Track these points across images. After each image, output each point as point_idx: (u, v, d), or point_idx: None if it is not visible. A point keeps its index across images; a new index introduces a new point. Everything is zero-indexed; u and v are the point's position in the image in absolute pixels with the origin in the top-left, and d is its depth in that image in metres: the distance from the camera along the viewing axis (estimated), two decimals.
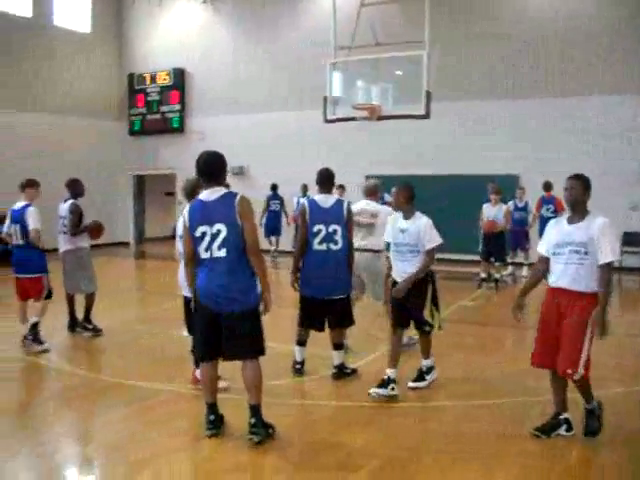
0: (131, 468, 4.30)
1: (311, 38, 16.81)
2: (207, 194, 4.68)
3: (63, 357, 7.14)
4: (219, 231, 4.51)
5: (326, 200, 6.17)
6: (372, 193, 7.38)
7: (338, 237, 6.00)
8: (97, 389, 6.02)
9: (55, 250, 8.10)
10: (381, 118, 11.82)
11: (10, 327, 7.60)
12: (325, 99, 12.26)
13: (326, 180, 6.30)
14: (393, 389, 5.55)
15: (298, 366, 6.33)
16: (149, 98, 19.41)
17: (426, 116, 11.50)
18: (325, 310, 6.10)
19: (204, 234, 4.54)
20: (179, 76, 18.94)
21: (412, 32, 11.67)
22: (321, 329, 6.21)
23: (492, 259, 11.95)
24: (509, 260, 13.03)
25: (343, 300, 6.11)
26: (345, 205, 6.19)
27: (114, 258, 16.99)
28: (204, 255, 4.56)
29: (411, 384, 5.88)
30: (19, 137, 16.75)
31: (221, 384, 5.26)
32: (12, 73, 16.73)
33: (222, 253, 4.51)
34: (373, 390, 5.55)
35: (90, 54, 19.06)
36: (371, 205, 7.21)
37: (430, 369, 5.96)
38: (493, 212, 11.72)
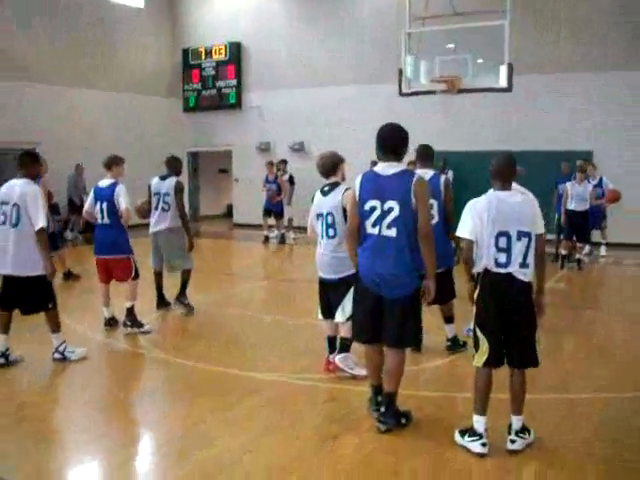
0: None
1: (378, 8, 16.29)
2: (383, 167, 4.47)
3: (156, 344, 6.78)
4: (391, 209, 4.31)
5: (425, 175, 5.78)
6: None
7: (434, 212, 5.90)
8: (203, 379, 5.68)
9: None
10: (461, 91, 11.35)
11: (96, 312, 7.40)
12: (400, 71, 11.78)
13: (426, 156, 6.30)
14: None
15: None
16: (204, 73, 19.03)
17: (508, 89, 11.01)
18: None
19: (373, 209, 4.36)
20: (235, 50, 18.50)
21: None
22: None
23: (574, 238, 11.52)
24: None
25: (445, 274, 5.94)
26: (442, 180, 6.16)
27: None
28: (370, 230, 4.38)
29: None
30: (73, 114, 16.50)
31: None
32: (67, 49, 16.50)
33: (392, 232, 4.31)
34: None
35: (144, 29, 18.74)
36: None
37: None
38: (579, 190, 11.27)
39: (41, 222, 5.71)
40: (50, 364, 6.00)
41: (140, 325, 7.06)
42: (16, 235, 5.77)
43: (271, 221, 15.42)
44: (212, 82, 18.94)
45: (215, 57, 18.81)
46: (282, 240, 15.24)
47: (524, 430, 4.26)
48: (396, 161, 4.48)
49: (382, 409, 4.52)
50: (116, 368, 6.25)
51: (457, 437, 4.32)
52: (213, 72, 18.90)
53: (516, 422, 4.24)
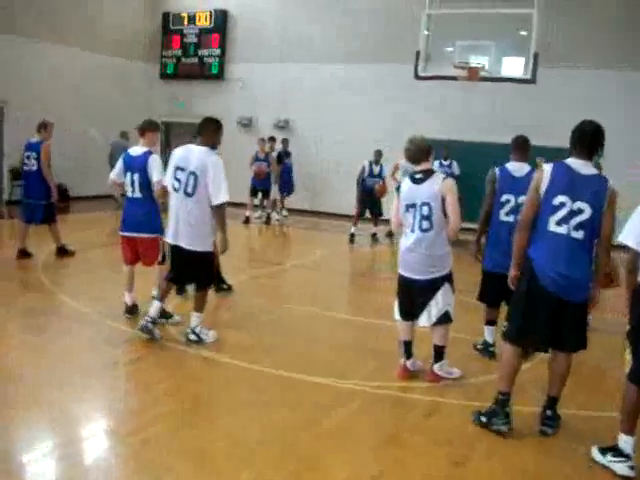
0: None
1: None
2: (578, 164, 4.12)
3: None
4: (580, 210, 4.05)
5: (520, 169, 5.66)
6: None
7: None
8: (271, 385, 4.99)
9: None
10: (481, 79, 10.90)
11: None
12: (417, 54, 11.27)
13: (521, 147, 5.80)
14: None
15: (491, 348, 5.87)
16: (186, 40, 17.94)
17: (532, 80, 10.65)
18: (505, 285, 5.29)
19: (562, 205, 4.07)
20: (221, 18, 17.51)
21: None
22: (496, 305, 5.81)
23: None
24: None
25: None
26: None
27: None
28: (554, 228, 4.10)
29: None
30: (42, 70, 15.10)
31: None
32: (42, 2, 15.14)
33: (579, 235, 4.07)
34: None
35: None
36: None
37: None
38: None
39: (223, 196, 5.45)
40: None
41: (169, 316, 6.30)
42: (192, 206, 5.51)
43: (256, 201, 14.77)
44: (194, 50, 17.91)
45: (199, 24, 17.76)
46: (267, 221, 14.59)
47: None
48: (590, 161, 4.17)
49: (548, 413, 4.35)
50: (167, 367, 5.33)
51: (596, 454, 3.95)
52: (195, 39, 17.85)
53: None
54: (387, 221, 13.09)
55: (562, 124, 13.16)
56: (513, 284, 4.45)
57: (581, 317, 4.25)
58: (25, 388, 4.55)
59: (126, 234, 6.37)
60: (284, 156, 15.20)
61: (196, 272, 5.73)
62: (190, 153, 5.55)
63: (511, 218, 5.54)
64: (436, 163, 13.36)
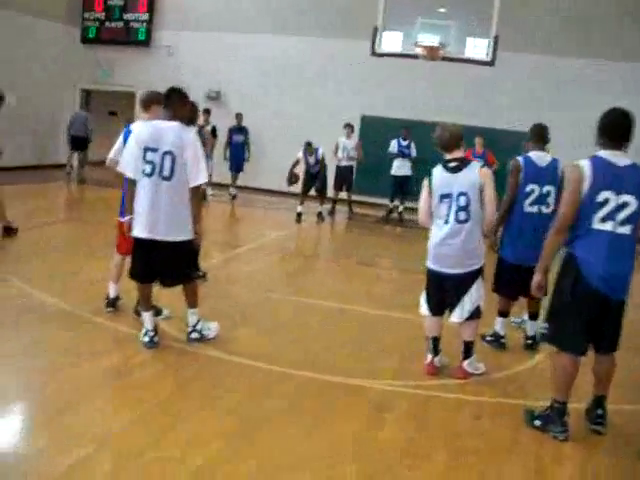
0: None
1: None
2: (615, 156, 3.92)
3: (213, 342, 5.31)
4: (626, 203, 3.86)
5: (542, 158, 5.58)
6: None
7: (551, 199, 5.50)
8: (303, 390, 4.57)
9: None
10: (444, 59, 10.75)
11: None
12: (375, 29, 10.95)
13: (541, 136, 5.70)
14: None
15: (502, 340, 5.79)
16: (110, 2, 16.74)
17: (491, 63, 10.60)
18: (528, 278, 5.21)
19: (607, 201, 3.85)
20: None
21: None
22: (515, 298, 5.77)
23: None
24: None
25: None
26: (560, 165, 5.56)
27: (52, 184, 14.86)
28: (598, 225, 3.88)
29: None
30: None
31: None
32: None
33: (626, 230, 3.89)
34: None
35: None
36: None
37: None
38: None
39: (202, 177, 4.84)
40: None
41: (159, 311, 5.67)
42: (169, 190, 4.79)
43: None
44: (119, 13, 16.74)
45: None
46: (204, 196, 13.92)
47: None
48: (622, 151, 3.96)
49: (599, 412, 4.19)
50: (171, 368, 4.79)
51: None
52: (120, 2, 16.69)
53: None
54: (332, 200, 13.25)
55: (517, 108, 13.61)
56: (539, 289, 4.25)
57: (621, 315, 4.11)
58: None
59: (127, 220, 5.69)
60: (217, 131, 14.53)
61: (178, 265, 4.99)
62: (160, 131, 4.81)
63: (535, 209, 5.50)
64: (394, 142, 13.20)
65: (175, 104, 4.89)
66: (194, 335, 5.21)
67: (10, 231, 8.27)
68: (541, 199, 5.52)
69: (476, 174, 4.74)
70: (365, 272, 8.87)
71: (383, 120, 14.40)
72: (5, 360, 4.56)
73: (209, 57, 16.23)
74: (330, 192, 13.17)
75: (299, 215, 12.33)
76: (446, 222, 4.79)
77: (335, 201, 13.36)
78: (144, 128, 4.90)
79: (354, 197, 13.75)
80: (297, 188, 12.59)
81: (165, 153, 4.73)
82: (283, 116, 15.53)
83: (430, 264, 4.94)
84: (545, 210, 5.51)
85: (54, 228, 9.75)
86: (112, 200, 6.97)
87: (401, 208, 13.47)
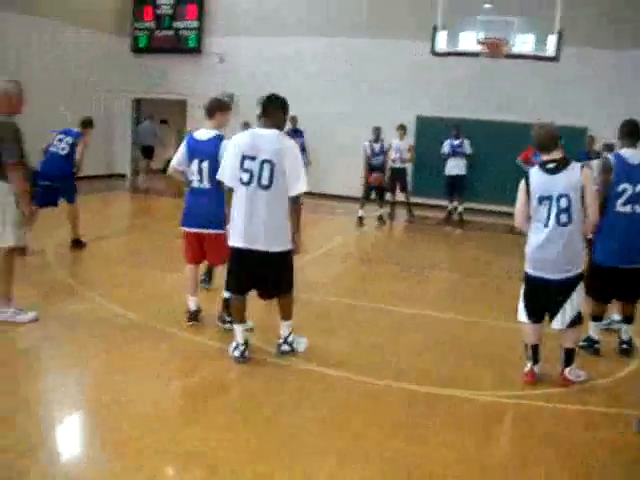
0: None
1: None
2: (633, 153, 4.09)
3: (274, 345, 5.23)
4: None
5: (634, 155, 5.33)
6: None
7: None
8: (411, 404, 4.43)
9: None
10: (508, 56, 10.52)
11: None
12: (435, 28, 10.77)
13: (634, 133, 5.43)
14: None
15: (597, 345, 5.57)
16: (159, 11, 16.87)
17: (556, 59, 10.32)
18: (621, 280, 5.35)
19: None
20: None
21: None
22: (608, 301, 5.62)
23: None
24: None
25: (637, 271, 5.35)
26: None
27: (109, 191, 15.21)
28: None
29: None
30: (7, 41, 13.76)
31: None
32: None
33: None
34: None
35: None
36: None
37: None
38: None
39: (302, 186, 4.75)
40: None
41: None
42: (268, 199, 4.70)
43: None
44: (169, 22, 16.86)
45: None
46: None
47: None
48: None
49: None
50: (271, 384, 4.66)
51: None
52: (170, 10, 16.81)
53: None
54: (390, 203, 13.08)
55: (583, 104, 13.22)
56: None
57: None
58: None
59: (193, 230, 5.67)
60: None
61: (279, 276, 4.89)
62: (259, 138, 4.75)
63: (628, 208, 5.28)
64: (447, 142, 13.04)
65: (272, 111, 4.83)
66: (285, 348, 5.11)
67: (79, 244, 8.36)
68: (634, 198, 5.28)
69: (578, 175, 4.57)
70: (435, 277, 8.70)
71: (439, 120, 14.18)
72: (95, 379, 4.54)
73: (260, 62, 16.17)
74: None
75: (361, 219, 12.22)
76: (546, 225, 4.62)
77: (394, 203, 13.19)
78: (243, 136, 4.87)
79: (413, 199, 13.56)
80: (357, 191, 12.51)
81: (264, 161, 4.66)
82: (338, 120, 15.39)
83: (529, 269, 4.77)
84: (639, 209, 5.29)
85: (123, 239, 9.84)
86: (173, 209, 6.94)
87: (460, 209, 13.21)
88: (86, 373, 4.63)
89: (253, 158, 4.67)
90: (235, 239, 4.80)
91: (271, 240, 4.72)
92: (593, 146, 11.73)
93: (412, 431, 3.98)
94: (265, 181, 4.66)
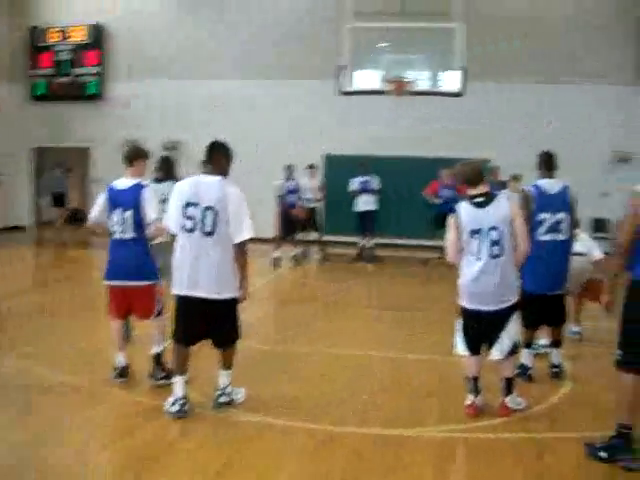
0: None
1: None
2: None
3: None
4: None
5: (552, 186, 5.55)
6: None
7: (564, 226, 5.47)
8: (361, 449, 4.32)
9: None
10: (413, 94, 10.86)
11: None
12: (339, 68, 11.00)
13: (550, 164, 5.67)
14: None
15: (529, 371, 5.66)
16: (58, 58, 16.43)
17: (460, 94, 10.75)
18: (549, 307, 5.57)
19: None
20: (98, 33, 16.22)
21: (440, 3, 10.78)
22: (537, 327, 5.74)
23: None
24: None
25: (561, 297, 5.67)
26: (570, 192, 5.59)
27: (9, 244, 14.55)
28: None
29: None
30: None
31: None
32: None
33: None
34: None
35: None
36: None
37: None
38: None
39: (247, 232, 4.65)
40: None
41: (169, 375, 5.26)
42: (212, 246, 4.63)
43: None
44: (68, 68, 16.42)
45: (73, 39, 16.35)
46: None
47: None
48: None
49: None
50: (215, 438, 4.45)
51: None
52: (69, 56, 16.39)
53: None
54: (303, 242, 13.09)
55: (487, 136, 13.77)
56: (609, 310, 4.24)
57: None
58: None
59: (116, 283, 5.42)
60: None
61: (223, 324, 4.77)
62: (201, 185, 4.68)
63: (548, 237, 5.47)
64: (354, 180, 13.12)
65: (216, 158, 4.76)
66: (223, 399, 4.90)
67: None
68: (554, 226, 5.46)
69: (506, 207, 4.70)
70: (358, 313, 8.71)
71: (348, 158, 14.35)
72: (29, 449, 4.19)
73: (168, 106, 15.92)
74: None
75: (276, 260, 12.12)
76: (479, 258, 4.70)
77: (307, 242, 13.20)
78: (186, 183, 4.77)
79: (326, 237, 13.63)
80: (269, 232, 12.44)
81: (206, 208, 4.58)
82: (248, 160, 15.33)
83: (464, 303, 4.83)
84: (560, 237, 5.48)
85: (40, 293, 9.33)
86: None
87: (371, 244, 13.22)
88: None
89: (196, 205, 4.60)
90: (178, 287, 4.68)
91: (214, 287, 4.62)
92: (498, 177, 12.15)
93: None
94: (208, 228, 4.58)
